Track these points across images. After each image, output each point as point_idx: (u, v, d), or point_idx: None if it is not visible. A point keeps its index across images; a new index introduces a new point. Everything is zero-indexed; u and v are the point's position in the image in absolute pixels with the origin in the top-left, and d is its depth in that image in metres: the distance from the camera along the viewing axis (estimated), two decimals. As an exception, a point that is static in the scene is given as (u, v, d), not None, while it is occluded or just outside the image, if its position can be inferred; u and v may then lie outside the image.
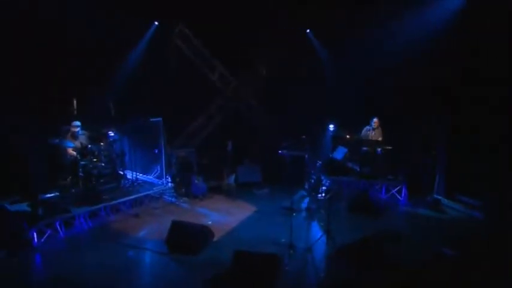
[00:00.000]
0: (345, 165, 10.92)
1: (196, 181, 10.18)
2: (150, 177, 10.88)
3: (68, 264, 6.60)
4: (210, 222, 8.27)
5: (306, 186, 10.86)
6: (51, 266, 6.65)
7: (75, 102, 8.93)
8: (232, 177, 10.83)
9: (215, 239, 7.48)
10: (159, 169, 10.96)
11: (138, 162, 10.43)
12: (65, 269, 6.45)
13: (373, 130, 10.66)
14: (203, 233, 7.26)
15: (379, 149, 10.59)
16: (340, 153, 10.58)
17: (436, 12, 9.91)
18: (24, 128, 8.15)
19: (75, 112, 8.97)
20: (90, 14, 9.26)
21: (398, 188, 10.21)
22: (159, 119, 9.85)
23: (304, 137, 8.81)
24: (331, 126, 11.51)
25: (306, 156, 10.36)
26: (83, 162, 8.68)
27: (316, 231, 8.04)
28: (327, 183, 10.55)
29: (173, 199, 10.05)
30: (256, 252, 6.30)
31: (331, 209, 7.17)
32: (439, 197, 9.83)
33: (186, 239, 7.02)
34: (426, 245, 7.31)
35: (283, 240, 7.38)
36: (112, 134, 9.80)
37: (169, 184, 10.41)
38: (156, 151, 10.77)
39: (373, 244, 6.82)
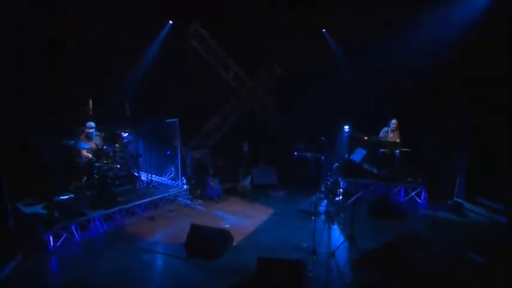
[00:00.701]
0: (362, 168, 10.77)
1: (211, 183, 9.98)
2: (164, 179, 10.73)
3: (84, 268, 6.45)
4: (227, 226, 8.10)
5: (323, 189, 10.72)
6: (67, 270, 6.50)
7: (90, 102, 8.78)
8: (248, 179, 10.68)
9: (234, 243, 7.30)
10: (173, 171, 10.83)
11: (152, 163, 10.27)
12: (81, 273, 6.31)
13: (391, 132, 10.47)
14: (223, 237, 7.08)
15: (397, 151, 10.40)
16: (358, 155, 10.37)
17: (458, 11, 9.67)
18: (39, 129, 8.02)
19: (91, 112, 8.82)
20: (105, 14, 9.14)
21: (417, 190, 9.99)
22: (175, 119, 9.70)
23: (323, 138, 8.61)
24: (346, 128, 11.33)
25: (323, 158, 10.18)
26: (97, 164, 8.49)
27: (337, 236, 7.84)
28: (344, 186, 10.43)
29: (188, 201, 9.87)
30: (281, 259, 6.14)
31: (353, 213, 6.97)
32: (461, 201, 9.67)
33: (205, 243, 6.85)
34: (450, 250, 7.09)
35: (304, 245, 7.21)
36: (126, 135, 9.66)
37: (185, 186, 10.21)
38: (169, 152, 10.66)
39: (397, 249, 6.64)
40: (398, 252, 6.54)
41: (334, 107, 10.98)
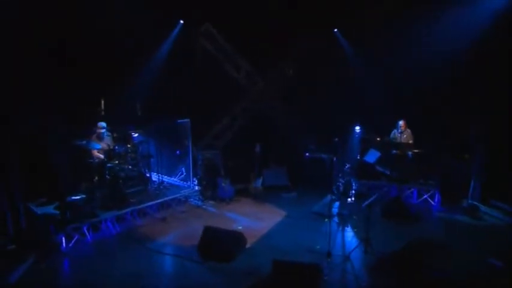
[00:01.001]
0: (374, 169, 10.63)
1: (223, 184, 9.93)
2: (175, 180, 10.68)
3: (96, 270, 6.40)
4: (240, 228, 8.02)
5: (334, 190, 10.61)
6: (80, 271, 6.44)
7: (102, 102, 8.73)
8: (260, 181, 10.62)
9: (248, 245, 7.20)
10: (183, 171, 10.78)
11: (163, 164, 10.20)
12: (93, 274, 6.26)
13: (400, 133, 10.35)
14: (236, 239, 6.99)
15: (409, 152, 10.28)
16: (372, 156, 10.21)
17: (475, 11, 9.53)
18: (51, 129, 7.99)
19: (103, 113, 8.77)
20: (118, 14, 9.11)
21: (430, 192, 9.81)
22: (187, 120, 9.64)
23: (336, 139, 8.51)
24: (357, 128, 11.21)
25: (334, 159, 10.07)
26: (109, 165, 8.46)
27: (351, 238, 7.71)
28: (356, 187, 10.31)
29: (199, 202, 9.81)
30: (296, 262, 6.05)
31: (369, 215, 6.85)
32: (476, 203, 9.51)
33: (219, 245, 6.76)
34: (468, 254, 6.89)
35: (318, 247, 7.12)
36: (135, 135, 9.59)
37: (196, 187, 10.16)
38: (178, 152, 10.60)
39: (416, 253, 6.55)
40: (417, 256, 6.43)
41: (345, 108, 10.88)
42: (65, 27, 8.49)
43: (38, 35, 8.08)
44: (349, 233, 8.12)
